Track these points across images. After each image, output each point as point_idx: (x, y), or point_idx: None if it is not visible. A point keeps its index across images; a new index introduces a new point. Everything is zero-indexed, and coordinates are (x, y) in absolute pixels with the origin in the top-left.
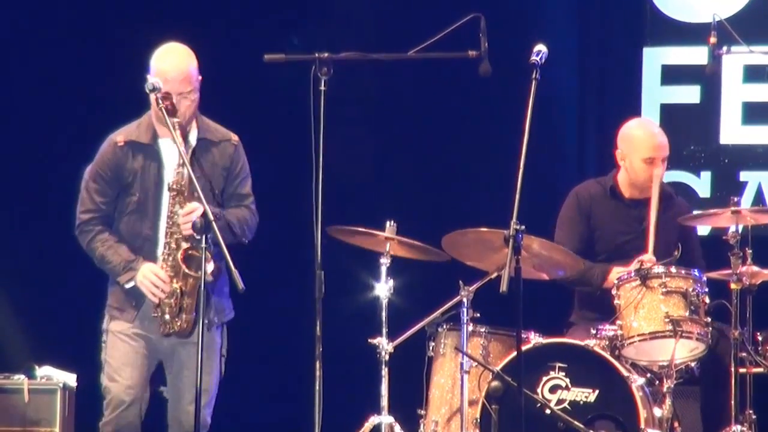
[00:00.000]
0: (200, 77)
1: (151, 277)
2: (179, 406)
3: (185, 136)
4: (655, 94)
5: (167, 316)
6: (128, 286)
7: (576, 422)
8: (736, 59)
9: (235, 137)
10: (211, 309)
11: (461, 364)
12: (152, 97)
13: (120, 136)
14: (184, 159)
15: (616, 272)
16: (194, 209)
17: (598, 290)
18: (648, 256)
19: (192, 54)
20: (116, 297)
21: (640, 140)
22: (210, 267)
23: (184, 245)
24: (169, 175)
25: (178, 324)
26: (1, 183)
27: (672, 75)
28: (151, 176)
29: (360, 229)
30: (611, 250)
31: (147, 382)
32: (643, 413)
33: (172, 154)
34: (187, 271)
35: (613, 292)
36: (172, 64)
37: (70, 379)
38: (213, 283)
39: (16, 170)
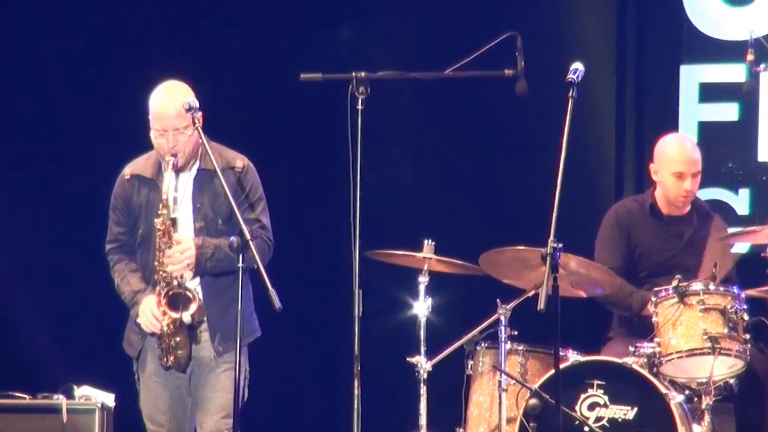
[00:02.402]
0: (201, 112)
1: (146, 311)
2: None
3: (186, 169)
4: (692, 111)
5: (161, 351)
6: (138, 319)
7: None
8: None
9: (240, 163)
10: (216, 336)
11: (499, 383)
12: (189, 117)
13: (128, 168)
14: (167, 198)
15: (653, 295)
16: (186, 248)
17: (636, 316)
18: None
19: (188, 90)
20: (130, 330)
21: (670, 154)
22: (193, 308)
23: (168, 286)
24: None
25: (172, 359)
26: (39, 198)
27: (710, 93)
28: (153, 210)
29: (398, 252)
30: (653, 267)
31: (185, 413)
32: (681, 430)
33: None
34: (168, 311)
35: (651, 309)
36: (164, 101)
37: (109, 399)
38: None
39: (55, 185)
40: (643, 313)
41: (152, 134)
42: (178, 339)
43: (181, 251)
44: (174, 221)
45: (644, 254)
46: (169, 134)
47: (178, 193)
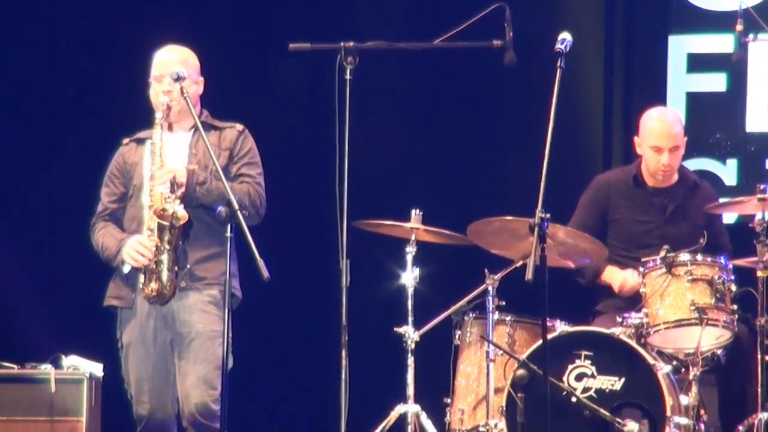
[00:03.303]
0: (202, 78)
1: (134, 244)
2: (183, 387)
3: (180, 128)
4: (681, 82)
5: (144, 277)
6: (125, 269)
7: (602, 410)
8: (762, 47)
9: (240, 125)
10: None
11: (487, 353)
12: (178, 87)
13: (126, 138)
14: (158, 140)
15: (610, 270)
16: (173, 170)
17: (590, 284)
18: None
19: (191, 54)
20: (115, 284)
21: (650, 128)
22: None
23: (157, 215)
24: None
25: (154, 286)
26: (22, 170)
27: (698, 63)
28: (147, 165)
29: (385, 222)
30: (633, 237)
31: (168, 382)
32: (669, 401)
33: (172, 148)
34: (159, 220)
35: (639, 279)
36: (166, 49)
37: (97, 368)
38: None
39: (35, 160)
40: (598, 281)
41: (150, 90)
42: (162, 258)
43: (167, 171)
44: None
45: (623, 224)
46: (166, 79)
47: (174, 145)
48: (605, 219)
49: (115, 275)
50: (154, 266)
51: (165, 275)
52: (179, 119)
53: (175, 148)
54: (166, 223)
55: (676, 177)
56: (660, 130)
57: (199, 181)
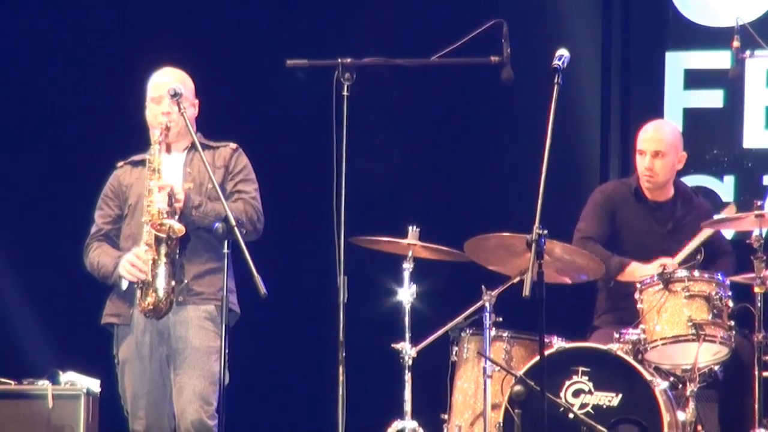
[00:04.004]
0: (197, 100)
1: (130, 258)
2: (179, 403)
3: (176, 149)
4: (677, 98)
5: (140, 293)
6: (123, 285)
7: (599, 426)
8: (759, 63)
9: (233, 144)
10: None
11: (484, 369)
12: (174, 102)
13: (120, 161)
14: (154, 156)
15: (635, 266)
16: (167, 184)
17: (612, 281)
18: (672, 261)
19: (185, 75)
20: (113, 302)
21: (641, 133)
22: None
23: (154, 228)
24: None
25: (150, 300)
26: (20, 188)
27: (695, 79)
28: (144, 184)
29: (382, 238)
30: (636, 250)
31: (164, 398)
32: (666, 417)
33: (168, 167)
34: (157, 233)
35: (636, 296)
36: (162, 72)
37: (94, 384)
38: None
39: (33, 178)
40: (620, 278)
41: (147, 111)
42: (159, 271)
43: (166, 184)
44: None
45: (628, 237)
46: (165, 100)
47: (170, 166)
48: (614, 226)
49: (112, 293)
50: (151, 280)
51: (162, 289)
52: (176, 140)
53: (171, 169)
54: (164, 236)
55: (672, 191)
56: (644, 133)
57: (194, 204)
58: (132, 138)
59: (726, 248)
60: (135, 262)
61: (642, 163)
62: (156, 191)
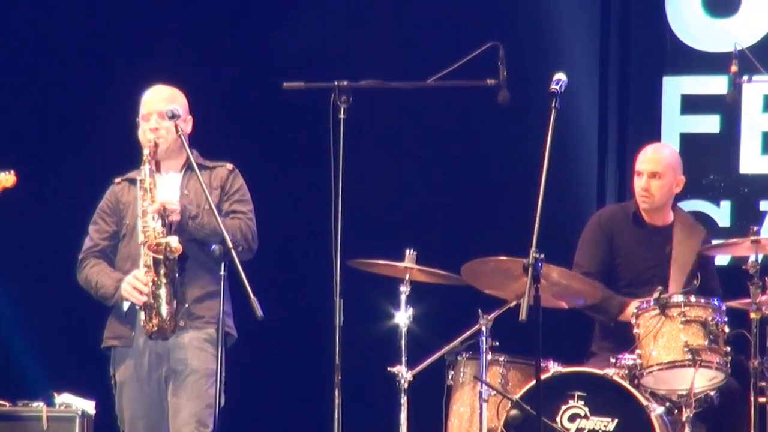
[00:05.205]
0: (190, 117)
1: (131, 280)
2: (174, 425)
3: (171, 168)
4: (674, 123)
5: (144, 315)
6: (125, 307)
7: None
8: (756, 89)
9: (229, 164)
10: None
11: (480, 393)
12: (171, 124)
13: (118, 178)
14: (146, 175)
15: (634, 306)
16: (167, 202)
17: (612, 321)
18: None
19: (180, 94)
20: (113, 324)
21: (639, 155)
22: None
23: (151, 249)
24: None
25: (156, 322)
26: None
27: (692, 104)
28: (140, 204)
29: (379, 261)
30: (633, 277)
31: (162, 419)
32: None
33: (163, 187)
34: (155, 255)
35: (633, 321)
36: (154, 89)
37: (89, 406)
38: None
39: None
40: (621, 318)
41: (139, 129)
42: (160, 292)
43: (158, 203)
44: (154, 187)
45: (625, 262)
46: (153, 117)
47: (165, 186)
48: (612, 252)
49: (110, 316)
50: (153, 301)
51: (164, 310)
52: (168, 158)
53: (166, 189)
54: (161, 257)
55: (671, 216)
56: (643, 154)
57: (191, 215)
58: (126, 156)
59: (715, 285)
60: (136, 285)
61: (639, 183)
62: (150, 214)
